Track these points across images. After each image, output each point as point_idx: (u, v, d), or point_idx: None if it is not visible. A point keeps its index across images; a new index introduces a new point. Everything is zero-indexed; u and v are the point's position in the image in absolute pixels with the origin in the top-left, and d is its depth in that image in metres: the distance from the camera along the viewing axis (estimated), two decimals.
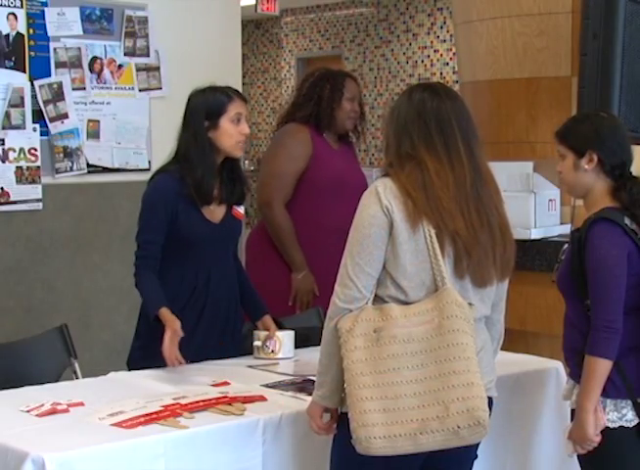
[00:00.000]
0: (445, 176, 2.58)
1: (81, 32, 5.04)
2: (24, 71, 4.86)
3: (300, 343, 3.55)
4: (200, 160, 3.36)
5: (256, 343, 3.49)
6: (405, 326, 2.50)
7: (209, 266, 3.44)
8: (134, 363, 3.42)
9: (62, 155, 4.99)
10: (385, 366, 2.47)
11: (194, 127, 3.38)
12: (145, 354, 3.41)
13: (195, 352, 3.35)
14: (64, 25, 4.98)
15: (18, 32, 4.84)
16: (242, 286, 3.60)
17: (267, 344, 3.47)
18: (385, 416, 2.44)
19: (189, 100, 3.45)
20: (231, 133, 3.38)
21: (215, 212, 3.45)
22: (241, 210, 3.55)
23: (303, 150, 4.30)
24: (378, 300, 2.58)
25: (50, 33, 4.95)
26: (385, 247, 2.56)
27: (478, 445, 2.69)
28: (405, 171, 2.59)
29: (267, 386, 3.08)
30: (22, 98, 4.83)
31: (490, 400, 2.70)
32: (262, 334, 3.50)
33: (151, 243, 3.37)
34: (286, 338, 3.50)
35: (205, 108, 3.38)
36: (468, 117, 2.68)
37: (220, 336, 3.46)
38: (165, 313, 3.23)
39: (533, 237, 4.30)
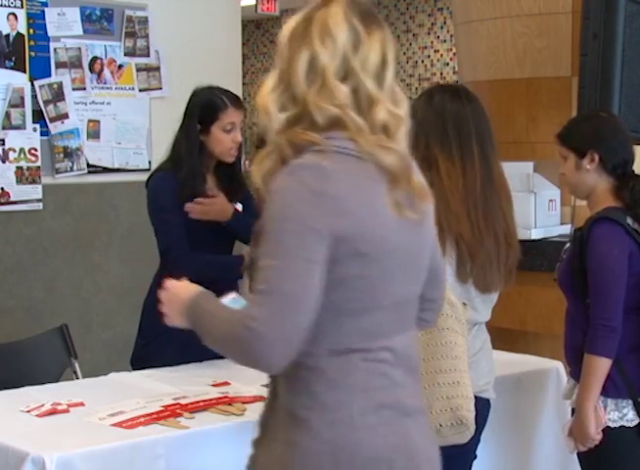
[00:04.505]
0: (456, 178, 2.58)
1: (81, 32, 5.05)
2: (25, 72, 4.86)
3: None
4: (186, 160, 3.38)
5: None
6: None
7: None
8: (138, 361, 3.44)
9: (62, 155, 4.98)
10: None
11: (187, 128, 3.41)
12: (149, 352, 3.42)
13: (195, 348, 3.35)
14: (64, 26, 4.98)
15: (18, 32, 4.84)
16: None
17: None
18: None
19: (189, 98, 3.47)
20: (221, 140, 3.40)
21: None
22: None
23: None
24: None
25: (50, 33, 4.95)
26: None
27: (476, 445, 2.69)
28: None
29: (267, 386, 3.07)
30: (23, 98, 4.83)
31: (488, 402, 2.70)
32: None
33: (179, 245, 3.34)
34: None
35: (199, 111, 3.41)
36: (486, 122, 2.67)
37: None
38: None
39: (534, 237, 4.29)
